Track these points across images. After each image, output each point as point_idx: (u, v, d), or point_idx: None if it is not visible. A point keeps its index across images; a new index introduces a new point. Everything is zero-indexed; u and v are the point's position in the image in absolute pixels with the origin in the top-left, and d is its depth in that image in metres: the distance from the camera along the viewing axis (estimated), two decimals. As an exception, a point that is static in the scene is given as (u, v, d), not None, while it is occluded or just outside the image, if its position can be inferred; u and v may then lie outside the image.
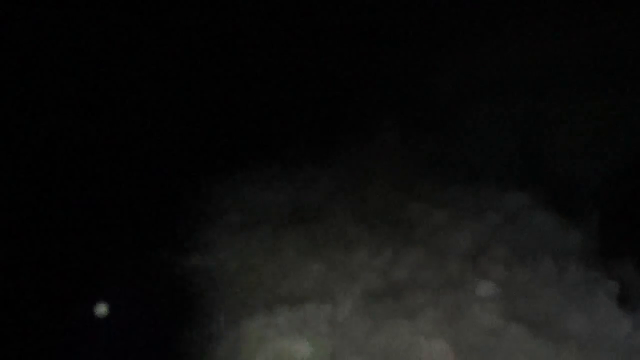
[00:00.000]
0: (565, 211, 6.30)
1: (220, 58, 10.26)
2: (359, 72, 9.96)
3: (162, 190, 7.34)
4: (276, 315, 3.56)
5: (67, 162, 7.33)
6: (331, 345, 3.22)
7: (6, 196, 5.64)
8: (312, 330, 3.34)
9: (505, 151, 7.91)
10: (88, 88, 8.08)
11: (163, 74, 9.58)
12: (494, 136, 8.01)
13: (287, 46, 10.29)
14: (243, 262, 4.67)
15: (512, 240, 5.29)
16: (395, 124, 8.76)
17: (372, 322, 3.54)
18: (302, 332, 3.31)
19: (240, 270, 4.51)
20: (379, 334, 3.35)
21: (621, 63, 6.96)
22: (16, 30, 7.08)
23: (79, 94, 7.95)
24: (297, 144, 9.78)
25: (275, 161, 8.99)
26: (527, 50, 7.98)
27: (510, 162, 7.80)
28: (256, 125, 10.00)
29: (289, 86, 10.51)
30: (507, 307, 3.80)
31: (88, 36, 7.82)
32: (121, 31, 8.47)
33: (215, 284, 4.29)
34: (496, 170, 7.71)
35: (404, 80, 9.37)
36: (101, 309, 3.17)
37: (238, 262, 4.66)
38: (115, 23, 8.20)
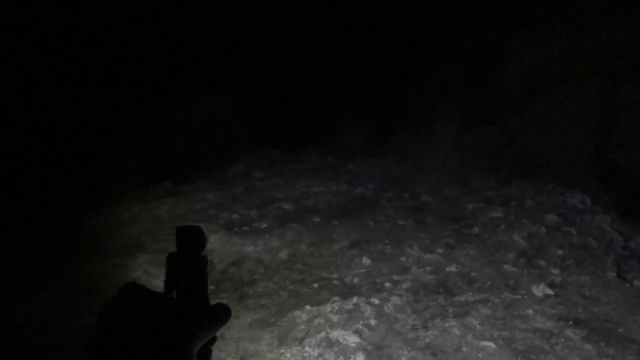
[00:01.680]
0: (631, 214, 6.01)
1: (276, 46, 10.41)
2: (417, 60, 9.81)
3: (217, 178, 7.57)
4: (325, 305, 3.58)
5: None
6: (379, 338, 3.22)
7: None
8: (360, 322, 3.35)
9: (571, 146, 7.60)
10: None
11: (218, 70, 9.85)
12: (560, 130, 7.71)
13: (345, 33, 10.28)
14: (294, 252, 4.74)
15: (572, 241, 5.11)
16: (453, 114, 8.60)
17: (421, 317, 3.51)
18: (350, 324, 3.32)
19: (291, 260, 4.59)
20: (427, 330, 3.31)
21: None
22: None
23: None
24: (351, 135, 9.83)
25: (329, 152, 9.08)
26: (601, 33, 7.60)
27: (575, 159, 7.50)
28: (310, 116, 10.11)
29: (344, 76, 10.53)
30: (563, 309, 3.66)
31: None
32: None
33: (266, 272, 4.38)
34: (559, 166, 7.43)
35: (466, 68, 9.16)
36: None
37: (289, 251, 4.74)
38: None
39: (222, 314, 2.54)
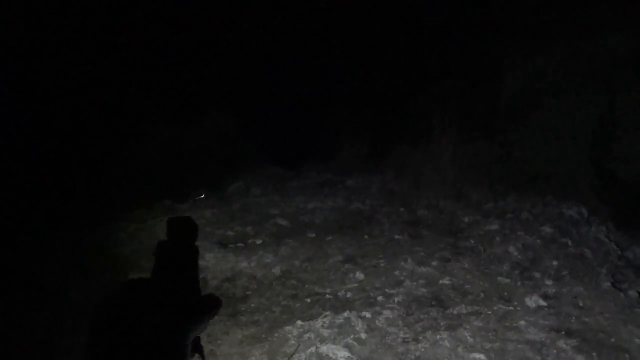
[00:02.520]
0: (627, 225, 6.00)
1: (276, 64, 10.53)
2: (414, 75, 9.90)
3: (211, 192, 7.61)
4: (316, 320, 3.58)
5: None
6: (368, 351, 3.20)
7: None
8: (350, 336, 3.34)
9: (568, 158, 7.63)
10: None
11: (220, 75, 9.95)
12: (557, 142, 7.76)
13: (340, 46, 10.40)
14: (288, 267, 4.74)
15: (567, 252, 5.10)
16: (451, 128, 8.64)
17: (412, 330, 3.49)
18: (340, 338, 3.31)
19: (284, 275, 4.59)
20: (417, 343, 3.30)
21: None
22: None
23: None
24: (350, 151, 9.89)
25: (327, 169, 9.13)
26: (597, 46, 7.68)
27: (573, 170, 7.52)
28: (309, 133, 10.18)
29: (342, 92, 10.63)
30: (556, 320, 3.64)
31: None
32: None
33: (260, 287, 4.38)
34: (557, 179, 7.44)
35: (463, 82, 9.24)
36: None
37: (283, 266, 4.75)
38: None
39: (212, 304, 2.56)
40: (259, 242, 5.40)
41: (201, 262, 4.74)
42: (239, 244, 5.35)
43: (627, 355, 3.16)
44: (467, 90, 9.34)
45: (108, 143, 8.68)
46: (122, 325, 2.06)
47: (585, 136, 7.71)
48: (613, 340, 3.35)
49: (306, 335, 3.40)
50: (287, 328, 3.55)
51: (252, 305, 4.08)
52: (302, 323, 3.59)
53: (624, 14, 7.72)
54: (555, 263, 4.81)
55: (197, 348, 2.57)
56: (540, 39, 8.59)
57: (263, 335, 3.55)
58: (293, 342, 3.34)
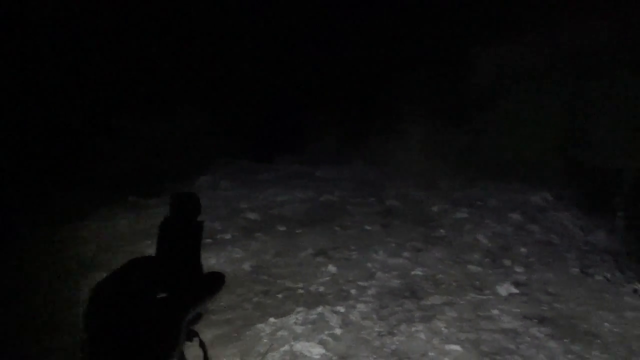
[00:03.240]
0: (592, 210, 6.13)
1: (242, 53, 10.34)
2: (383, 65, 9.86)
3: (177, 187, 7.40)
4: (289, 316, 3.50)
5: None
6: (344, 347, 3.14)
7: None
8: (324, 332, 3.27)
9: (533, 145, 7.75)
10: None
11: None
12: (523, 130, 7.86)
13: (306, 38, 10.28)
14: (259, 262, 4.64)
15: (536, 239, 5.16)
16: (420, 118, 8.65)
17: (387, 323, 3.45)
18: (314, 334, 3.24)
19: (255, 271, 4.48)
20: (393, 336, 3.26)
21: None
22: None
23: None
24: (318, 142, 9.79)
25: (296, 160, 9.02)
26: (562, 35, 7.79)
27: (538, 157, 7.64)
28: (274, 123, 10.04)
29: (311, 83, 10.51)
30: (528, 308, 3.67)
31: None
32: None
33: (230, 284, 4.26)
34: (523, 165, 7.56)
35: (432, 72, 9.26)
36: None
37: (254, 262, 4.64)
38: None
39: (215, 282, 2.45)
40: (228, 237, 5.26)
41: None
42: (207, 240, 5.19)
43: (598, 341, 3.20)
44: (435, 79, 9.38)
45: (70, 138, 8.34)
46: (118, 300, 1.94)
47: (551, 123, 7.85)
48: (585, 326, 3.39)
49: (279, 333, 3.31)
50: (260, 326, 3.45)
51: (222, 303, 3.96)
52: (275, 320, 3.50)
53: (588, 4, 7.85)
54: (524, 250, 4.87)
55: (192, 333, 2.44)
56: (506, 28, 8.68)
57: (235, 335, 3.44)
58: (266, 340, 3.25)
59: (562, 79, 7.91)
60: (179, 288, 2.14)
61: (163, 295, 2.08)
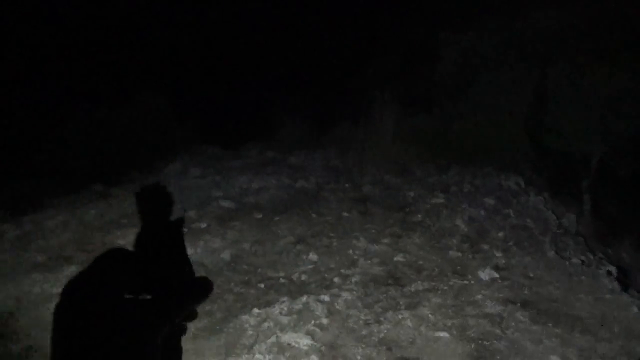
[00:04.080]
0: (562, 194, 6.26)
1: (211, 40, 10.07)
2: (352, 51, 9.79)
3: (152, 179, 7.18)
4: (273, 307, 3.42)
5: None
6: (332, 337, 3.09)
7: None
8: (311, 322, 3.21)
9: (504, 131, 7.85)
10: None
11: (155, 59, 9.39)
12: (493, 115, 7.94)
13: (280, 25, 10.10)
14: (237, 252, 4.53)
15: (511, 223, 5.23)
16: (392, 104, 8.63)
17: (372, 311, 3.42)
18: (300, 325, 3.17)
19: (234, 260, 4.37)
20: (380, 324, 3.23)
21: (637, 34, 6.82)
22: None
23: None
24: (289, 128, 9.65)
25: (269, 147, 8.86)
26: (532, 21, 7.87)
27: (509, 143, 7.74)
28: (246, 109, 9.84)
29: (281, 68, 10.34)
30: (510, 292, 3.71)
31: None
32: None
33: (209, 275, 4.14)
34: (494, 151, 7.65)
35: (401, 58, 9.24)
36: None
37: (232, 251, 4.52)
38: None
39: (201, 291, 2.35)
40: (203, 226, 5.10)
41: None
42: (183, 229, 5.04)
43: (580, 323, 3.25)
44: (405, 66, 9.38)
45: (32, 125, 7.94)
46: (96, 301, 1.82)
47: (520, 109, 7.95)
48: (566, 309, 3.44)
49: (265, 324, 3.23)
50: (244, 317, 3.36)
51: (202, 294, 3.84)
52: (259, 311, 3.42)
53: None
54: (501, 234, 4.92)
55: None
56: (473, 14, 8.72)
57: (218, 327, 3.34)
58: (251, 332, 3.17)
59: (530, 64, 8.01)
60: (161, 291, 2.01)
61: (143, 298, 1.95)
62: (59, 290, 3.68)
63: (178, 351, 2.77)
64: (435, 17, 9.06)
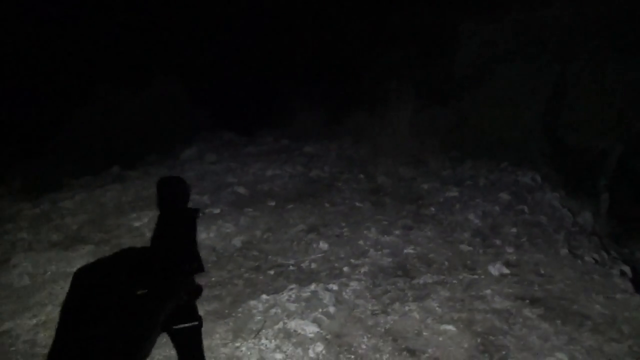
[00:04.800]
0: (578, 191, 6.18)
1: (229, 29, 10.08)
2: (370, 41, 9.73)
3: (169, 163, 7.26)
4: (282, 293, 3.46)
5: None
6: (338, 326, 3.12)
7: None
8: (318, 310, 3.24)
9: (521, 125, 7.75)
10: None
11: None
12: (510, 109, 7.85)
13: (293, 15, 10.07)
14: (249, 238, 4.58)
15: (525, 219, 5.18)
16: (408, 95, 8.58)
17: (380, 302, 3.44)
18: (308, 312, 3.20)
19: (245, 246, 4.42)
20: (387, 315, 3.25)
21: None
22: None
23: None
24: (304, 116, 9.66)
25: (284, 135, 8.88)
26: (553, 14, 7.75)
27: (525, 137, 7.65)
28: (263, 98, 9.86)
29: (298, 57, 10.32)
30: (520, 288, 3.69)
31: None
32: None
33: (220, 260, 4.20)
34: (511, 145, 7.57)
35: (419, 49, 9.16)
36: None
37: (244, 237, 4.57)
38: None
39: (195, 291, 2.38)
40: (217, 211, 5.17)
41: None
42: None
43: (589, 322, 3.23)
44: (422, 57, 9.28)
45: (52, 106, 8.07)
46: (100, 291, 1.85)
47: (538, 103, 7.84)
48: (575, 307, 3.42)
49: (272, 311, 3.27)
50: (252, 303, 3.41)
51: (213, 279, 3.90)
52: (267, 297, 3.46)
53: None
54: (514, 230, 4.88)
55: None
56: (493, 7, 8.58)
57: (226, 311, 3.40)
58: (259, 317, 3.21)
59: (549, 58, 7.88)
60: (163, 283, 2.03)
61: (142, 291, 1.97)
62: (73, 269, 3.78)
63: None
64: (455, 6, 8.93)
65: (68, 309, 1.91)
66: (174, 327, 1.87)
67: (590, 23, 7.56)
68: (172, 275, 2.10)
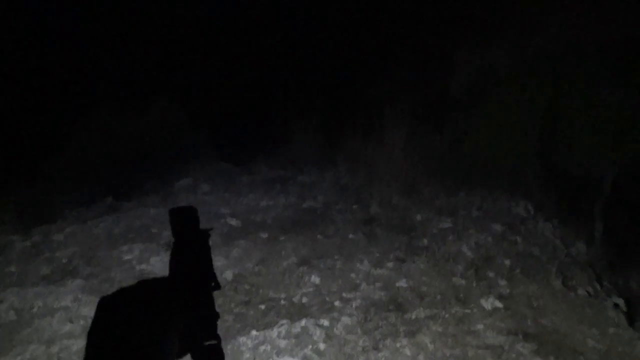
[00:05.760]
0: (572, 219, 6.17)
1: (219, 58, 10.21)
2: (363, 67, 9.86)
3: (163, 193, 7.24)
4: (272, 329, 3.41)
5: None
6: (328, 363, 3.08)
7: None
8: (308, 346, 3.20)
9: (515, 151, 7.80)
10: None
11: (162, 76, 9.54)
12: (504, 135, 7.90)
13: (287, 42, 10.23)
14: (240, 271, 4.54)
15: (518, 250, 5.16)
16: (403, 121, 8.64)
17: (371, 337, 3.39)
18: (297, 349, 3.16)
19: (236, 279, 4.38)
20: (378, 352, 3.20)
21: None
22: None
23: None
24: (300, 144, 9.70)
25: (279, 164, 8.90)
26: (547, 38, 7.87)
27: (519, 164, 7.69)
28: (256, 126, 9.93)
29: (289, 84, 10.43)
30: (513, 322, 3.65)
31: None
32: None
33: (210, 294, 4.15)
34: (504, 172, 7.60)
35: (414, 75, 9.27)
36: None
37: (235, 270, 4.53)
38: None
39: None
40: (208, 243, 5.13)
41: (146, 267, 4.46)
42: (188, 246, 5.07)
43: (582, 358, 3.19)
44: (417, 82, 9.38)
45: (44, 133, 8.09)
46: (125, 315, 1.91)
47: (532, 128, 7.90)
48: (569, 342, 3.38)
49: (262, 347, 3.23)
50: (241, 339, 3.36)
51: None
52: (257, 333, 3.41)
53: (567, 8, 7.93)
54: (507, 262, 4.86)
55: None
56: (487, 32, 8.72)
57: (215, 348, 3.34)
58: (248, 355, 3.16)
59: (542, 83, 7.97)
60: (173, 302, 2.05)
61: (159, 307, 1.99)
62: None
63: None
64: (450, 32, 9.08)
65: (94, 335, 1.96)
66: (195, 344, 1.93)
67: (584, 48, 7.68)
68: (189, 300, 2.16)
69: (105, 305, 2.06)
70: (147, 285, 2.02)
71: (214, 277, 2.38)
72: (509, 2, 8.51)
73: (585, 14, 7.42)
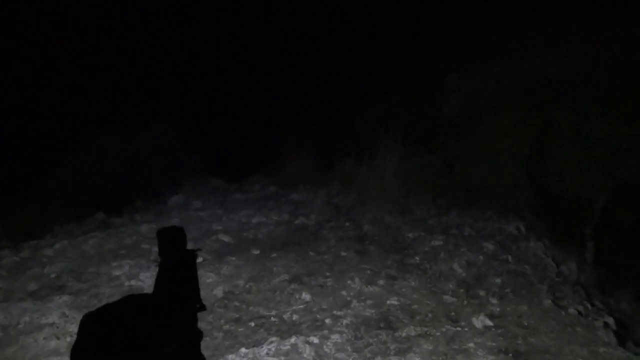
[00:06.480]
0: (563, 240, 6.20)
1: (214, 78, 10.31)
2: (359, 89, 9.99)
3: (155, 209, 7.22)
4: (261, 347, 3.38)
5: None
6: (318, 382, 3.04)
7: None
8: (298, 364, 3.17)
9: (506, 173, 7.85)
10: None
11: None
12: (496, 158, 7.97)
13: (283, 62, 10.36)
14: (231, 288, 4.51)
15: (509, 269, 5.17)
16: (395, 142, 8.70)
17: (361, 355, 3.37)
18: (287, 367, 3.13)
19: (227, 297, 4.35)
20: (368, 370, 3.18)
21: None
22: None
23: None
24: (293, 163, 9.74)
25: (272, 182, 8.93)
26: (536, 65, 8.01)
27: (511, 185, 7.73)
28: (249, 144, 9.97)
29: (287, 104, 10.53)
30: (504, 341, 3.64)
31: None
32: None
33: (199, 311, 4.12)
34: (496, 193, 7.64)
35: (407, 98, 9.39)
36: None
37: (225, 287, 4.51)
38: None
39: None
40: (199, 260, 5.11)
41: (136, 283, 4.43)
42: (179, 263, 5.04)
43: (572, 377, 3.18)
44: (410, 105, 9.50)
45: (36, 151, 8.09)
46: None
47: (523, 152, 7.97)
48: (560, 362, 3.37)
49: (251, 365, 3.19)
50: (230, 357, 3.33)
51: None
52: (246, 350, 3.38)
53: (556, 35, 8.09)
54: (498, 280, 4.86)
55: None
56: (479, 58, 8.88)
57: (204, 366, 3.31)
58: (237, 373, 3.13)
59: (533, 107, 8.08)
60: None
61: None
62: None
63: None
64: (442, 58, 9.24)
65: (78, 352, 1.95)
66: None
67: (572, 74, 7.82)
68: (176, 317, 2.16)
69: (89, 322, 2.04)
70: (133, 301, 2.00)
71: (198, 297, 2.36)
72: (499, 32, 8.69)
73: (573, 44, 7.58)
